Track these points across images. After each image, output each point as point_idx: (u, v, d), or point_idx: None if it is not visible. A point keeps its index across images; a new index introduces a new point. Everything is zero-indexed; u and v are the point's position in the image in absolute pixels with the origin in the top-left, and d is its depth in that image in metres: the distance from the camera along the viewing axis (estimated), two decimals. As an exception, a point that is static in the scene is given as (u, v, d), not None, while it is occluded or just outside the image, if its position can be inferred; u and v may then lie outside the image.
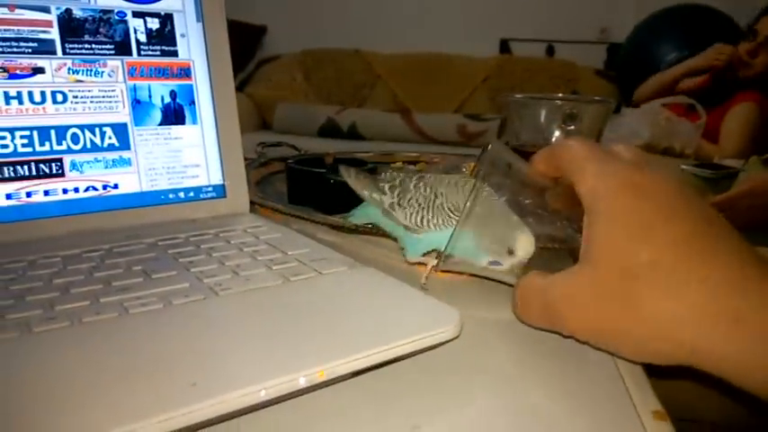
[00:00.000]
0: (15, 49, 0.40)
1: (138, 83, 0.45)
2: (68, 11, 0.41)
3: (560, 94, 0.56)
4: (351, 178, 0.43)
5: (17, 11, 0.40)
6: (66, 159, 0.42)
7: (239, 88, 2.68)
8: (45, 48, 0.41)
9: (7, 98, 0.40)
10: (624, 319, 0.27)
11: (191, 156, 0.47)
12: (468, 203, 0.33)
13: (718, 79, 1.72)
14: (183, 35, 0.46)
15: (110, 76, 0.43)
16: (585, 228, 0.29)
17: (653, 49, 2.15)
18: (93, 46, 0.43)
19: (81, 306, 0.30)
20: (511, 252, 0.33)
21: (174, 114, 0.46)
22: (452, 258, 0.35)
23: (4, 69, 0.39)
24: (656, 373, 0.29)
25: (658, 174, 0.29)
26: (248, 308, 0.31)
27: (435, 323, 0.29)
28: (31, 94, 0.40)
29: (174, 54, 0.46)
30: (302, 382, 0.24)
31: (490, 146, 0.35)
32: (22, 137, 0.40)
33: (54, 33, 0.41)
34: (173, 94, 0.46)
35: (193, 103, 0.47)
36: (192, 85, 0.47)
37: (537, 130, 0.52)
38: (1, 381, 0.23)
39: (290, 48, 2.77)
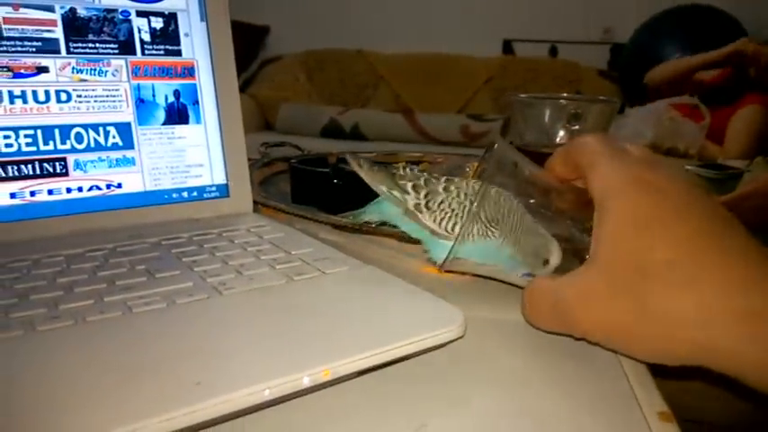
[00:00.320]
0: (20, 49, 0.40)
1: (142, 82, 0.44)
2: (73, 10, 0.41)
3: (565, 94, 0.56)
4: (363, 170, 0.39)
5: (21, 10, 0.40)
6: (70, 159, 0.42)
7: (242, 89, 2.68)
8: (49, 47, 0.41)
9: (12, 97, 0.40)
10: (637, 318, 0.26)
11: (194, 155, 0.47)
12: (475, 205, 0.33)
13: (736, 76, 1.70)
14: (186, 34, 0.46)
15: (113, 75, 0.43)
16: (596, 226, 0.28)
17: (656, 49, 2.15)
18: (98, 45, 0.43)
19: (85, 305, 0.30)
20: (546, 263, 0.33)
21: (178, 114, 0.46)
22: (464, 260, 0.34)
23: (9, 68, 0.39)
24: (662, 373, 0.29)
25: (669, 171, 0.28)
26: (252, 307, 0.31)
27: (439, 323, 0.28)
28: (35, 93, 0.40)
29: (178, 53, 0.46)
30: (306, 382, 0.23)
31: (496, 145, 0.35)
32: (26, 136, 0.40)
33: (58, 32, 0.41)
34: (176, 94, 0.46)
35: (197, 102, 0.47)
36: (195, 85, 0.47)
37: (541, 130, 0.52)
38: (5, 379, 0.23)
39: (292, 48, 2.78)
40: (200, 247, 0.39)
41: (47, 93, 0.41)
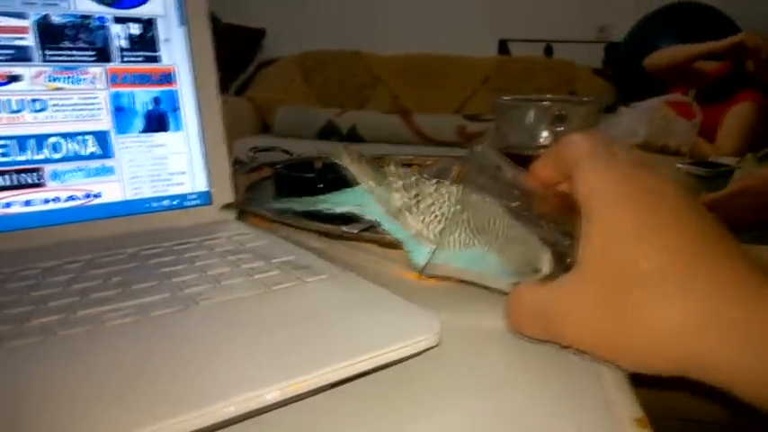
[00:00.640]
0: (-10, 57, 0.39)
1: (121, 90, 0.44)
2: (46, 17, 0.41)
3: (549, 96, 0.55)
4: (347, 160, 0.37)
5: (-7, 18, 0.39)
6: (47, 169, 0.41)
7: (239, 91, 2.68)
8: (22, 55, 0.40)
9: (-15, 107, 0.39)
10: (625, 328, 0.25)
11: (175, 163, 0.46)
12: (454, 208, 0.32)
13: (735, 70, 1.68)
14: (166, 40, 0.46)
15: (91, 83, 0.43)
16: (583, 231, 0.27)
17: (651, 47, 2.14)
18: (74, 53, 0.42)
19: (55, 319, 0.29)
20: (537, 271, 0.32)
21: (158, 121, 0.45)
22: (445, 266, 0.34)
23: (-18, 78, 0.39)
24: (644, 382, 0.28)
25: (657, 175, 0.28)
26: (225, 319, 0.30)
27: (414, 331, 0.28)
28: (8, 102, 0.40)
29: (157, 60, 0.45)
30: (270, 398, 0.23)
31: (476, 148, 0.34)
32: None
33: (30, 40, 0.40)
34: (156, 101, 0.45)
35: (177, 109, 0.46)
36: (175, 91, 0.46)
37: (526, 132, 0.51)
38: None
39: (289, 50, 2.78)
40: (179, 257, 0.39)
41: (20, 102, 0.40)
